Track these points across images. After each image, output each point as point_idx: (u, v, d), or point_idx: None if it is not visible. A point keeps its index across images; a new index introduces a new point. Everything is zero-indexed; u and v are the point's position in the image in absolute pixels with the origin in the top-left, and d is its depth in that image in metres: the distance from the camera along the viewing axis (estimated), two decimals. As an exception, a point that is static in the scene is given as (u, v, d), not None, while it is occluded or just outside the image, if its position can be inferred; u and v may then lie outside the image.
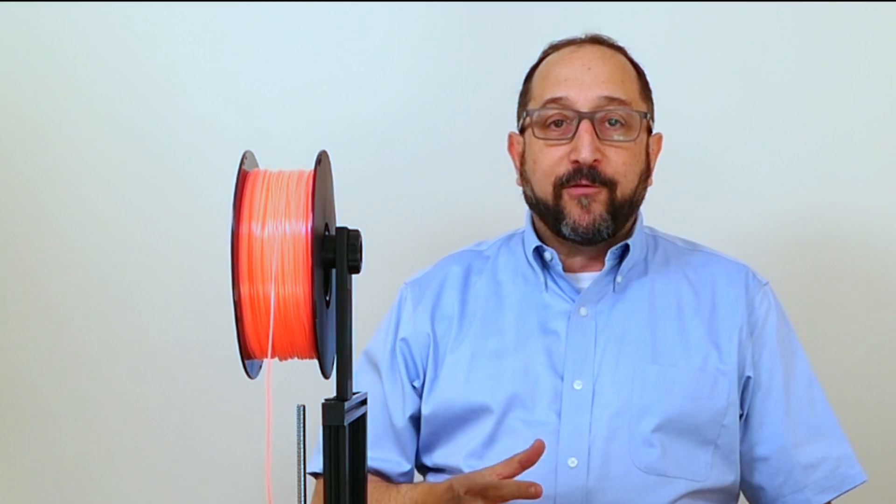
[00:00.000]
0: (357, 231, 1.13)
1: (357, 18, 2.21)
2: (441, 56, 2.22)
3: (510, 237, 1.75)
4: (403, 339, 1.68)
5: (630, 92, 1.62)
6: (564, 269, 1.65)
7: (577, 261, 1.66)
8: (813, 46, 2.17)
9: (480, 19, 2.20)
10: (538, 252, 1.65)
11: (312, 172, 1.10)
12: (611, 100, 1.59)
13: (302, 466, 1.09)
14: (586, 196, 1.58)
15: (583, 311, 1.62)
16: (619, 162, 1.59)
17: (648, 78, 1.68)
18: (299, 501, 1.10)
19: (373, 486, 1.62)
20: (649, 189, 1.68)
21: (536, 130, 1.61)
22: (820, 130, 2.18)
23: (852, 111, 2.17)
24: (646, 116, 1.62)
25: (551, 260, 1.64)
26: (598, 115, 1.58)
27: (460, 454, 1.61)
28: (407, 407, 1.67)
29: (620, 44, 1.67)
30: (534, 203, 1.64)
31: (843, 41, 2.17)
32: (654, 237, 1.72)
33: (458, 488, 1.45)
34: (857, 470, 1.64)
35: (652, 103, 1.68)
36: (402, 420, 1.67)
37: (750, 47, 2.18)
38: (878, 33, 2.17)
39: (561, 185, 1.59)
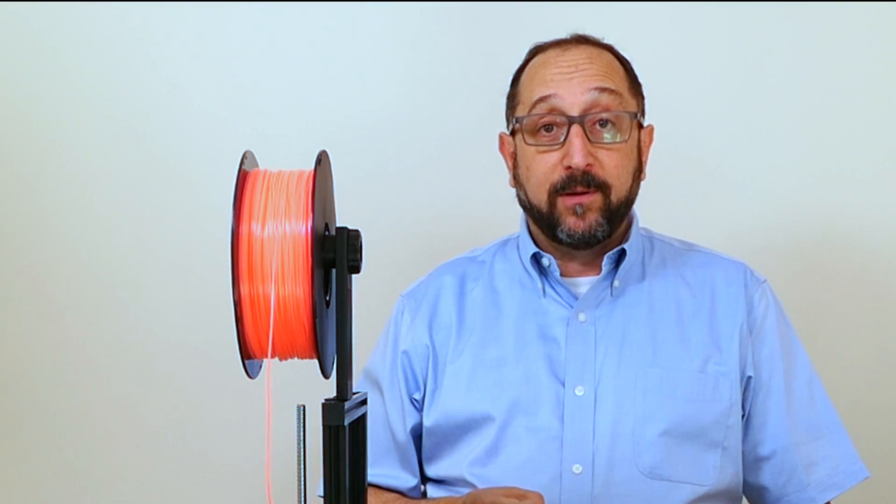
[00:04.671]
0: (357, 231, 1.13)
1: (357, 18, 2.21)
2: (441, 56, 2.22)
3: (504, 243, 1.74)
4: (405, 352, 1.67)
5: (619, 87, 1.60)
6: (562, 274, 1.64)
7: (574, 266, 1.65)
8: (813, 46, 2.17)
9: (481, 19, 2.20)
10: (535, 258, 1.65)
11: (312, 172, 1.10)
12: (601, 90, 1.57)
13: (302, 466, 1.09)
14: (581, 205, 1.57)
15: (581, 316, 1.61)
16: (611, 165, 1.57)
17: (646, 77, 1.68)
18: (299, 502, 1.10)
19: (393, 502, 1.63)
20: (649, 189, 1.67)
21: (527, 137, 1.60)
22: (819, 130, 2.18)
23: (852, 111, 2.17)
24: (635, 116, 1.61)
25: (549, 266, 1.63)
26: (588, 118, 1.57)
27: (464, 463, 1.60)
28: (407, 420, 1.66)
29: (609, 42, 1.65)
30: (528, 208, 1.63)
31: (843, 41, 2.17)
32: (650, 239, 1.71)
33: None
34: (860, 466, 1.64)
35: (643, 97, 1.66)
36: (403, 434, 1.66)
37: (750, 47, 2.18)
38: (878, 33, 2.17)
39: (556, 192, 1.57)
